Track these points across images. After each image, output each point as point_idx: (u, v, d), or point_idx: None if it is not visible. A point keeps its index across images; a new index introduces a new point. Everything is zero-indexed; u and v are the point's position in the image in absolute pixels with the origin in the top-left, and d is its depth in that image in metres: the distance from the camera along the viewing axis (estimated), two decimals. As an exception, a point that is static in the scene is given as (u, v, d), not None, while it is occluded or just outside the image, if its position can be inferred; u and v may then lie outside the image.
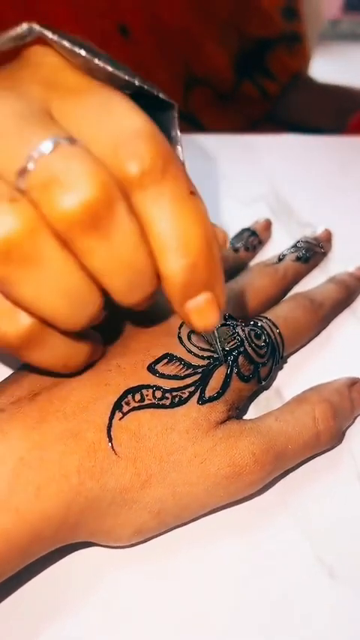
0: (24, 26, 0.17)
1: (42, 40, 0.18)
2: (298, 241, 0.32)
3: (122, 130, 0.15)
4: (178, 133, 0.19)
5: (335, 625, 0.19)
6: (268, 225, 0.34)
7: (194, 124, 0.62)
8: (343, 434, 0.24)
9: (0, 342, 0.17)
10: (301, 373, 0.26)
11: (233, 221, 0.34)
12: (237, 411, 0.22)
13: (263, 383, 0.24)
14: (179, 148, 0.19)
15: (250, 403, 0.25)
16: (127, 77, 0.17)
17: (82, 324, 0.16)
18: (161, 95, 0.19)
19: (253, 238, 0.33)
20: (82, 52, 0.17)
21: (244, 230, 0.33)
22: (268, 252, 0.33)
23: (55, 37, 0.17)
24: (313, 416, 0.22)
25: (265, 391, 0.26)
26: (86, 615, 0.19)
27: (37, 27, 0.17)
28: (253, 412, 0.25)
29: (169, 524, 0.20)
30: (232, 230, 0.33)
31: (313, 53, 0.70)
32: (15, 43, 0.17)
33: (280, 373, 0.26)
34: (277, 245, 0.33)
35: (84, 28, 0.51)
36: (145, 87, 0.18)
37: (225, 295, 0.17)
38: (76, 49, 0.17)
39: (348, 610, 0.19)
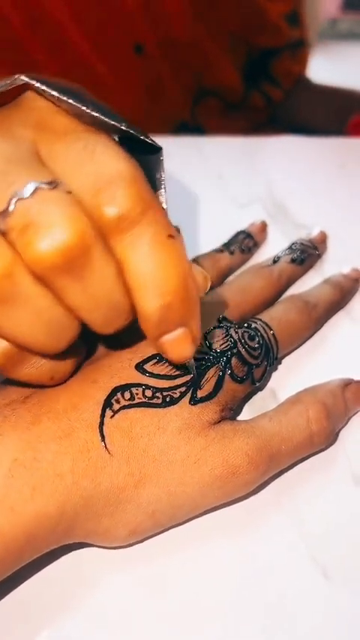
0: (15, 77, 0.18)
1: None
2: (293, 243, 0.32)
3: (104, 174, 0.16)
4: (163, 175, 0.20)
5: (329, 624, 0.19)
6: (263, 227, 0.34)
7: (200, 134, 0.62)
8: (337, 435, 0.24)
9: None
10: (296, 374, 0.27)
11: (229, 223, 0.34)
12: (231, 412, 0.22)
13: (257, 384, 0.24)
14: (162, 191, 0.20)
15: (245, 404, 0.25)
16: (113, 122, 0.18)
17: (60, 349, 0.17)
18: (148, 139, 0.19)
19: (249, 240, 0.33)
20: (70, 100, 0.17)
21: (239, 232, 0.33)
22: (264, 253, 0.33)
23: (42, 87, 0.18)
24: (306, 417, 0.22)
25: (259, 392, 0.26)
26: (83, 616, 0.19)
27: (24, 77, 0.18)
28: (247, 413, 0.25)
29: (164, 525, 0.20)
30: (228, 232, 0.33)
31: (312, 53, 0.71)
32: (4, 88, 0.18)
33: (274, 374, 0.26)
34: (273, 247, 0.34)
35: (100, 49, 0.52)
36: (132, 131, 0.19)
37: (199, 330, 0.18)
38: (64, 97, 0.18)
39: (342, 610, 0.19)
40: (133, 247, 0.16)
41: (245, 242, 0.32)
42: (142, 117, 0.59)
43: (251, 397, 0.25)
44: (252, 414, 0.23)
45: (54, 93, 0.18)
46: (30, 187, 0.15)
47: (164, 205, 0.20)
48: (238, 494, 0.21)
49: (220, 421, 0.21)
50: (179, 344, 0.18)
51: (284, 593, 0.19)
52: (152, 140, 0.19)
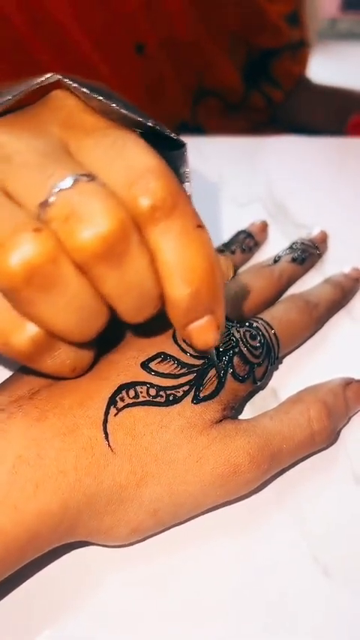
0: (48, 75, 0.19)
1: (61, 85, 0.19)
2: (294, 243, 0.32)
3: (135, 168, 0.16)
4: (188, 169, 0.21)
5: (330, 623, 0.19)
6: (264, 226, 0.35)
7: (200, 134, 0.63)
8: (338, 434, 0.24)
9: (11, 353, 0.18)
10: (297, 373, 0.27)
11: (229, 222, 0.34)
12: (232, 411, 0.22)
13: (259, 383, 0.24)
14: (188, 184, 0.21)
15: (246, 403, 0.25)
16: (140, 119, 0.19)
17: (89, 337, 0.18)
18: (173, 135, 0.20)
19: (249, 240, 0.33)
20: (99, 97, 0.18)
21: (240, 232, 0.33)
22: (264, 253, 0.33)
23: (73, 84, 0.18)
24: (308, 416, 0.22)
25: (260, 391, 0.26)
26: (84, 615, 0.19)
27: (58, 75, 0.19)
28: (249, 412, 0.25)
29: (166, 523, 0.20)
30: (229, 231, 0.33)
31: (312, 53, 0.71)
32: (37, 85, 0.19)
33: (275, 373, 0.27)
34: (273, 246, 0.34)
35: (102, 49, 0.53)
36: (157, 127, 0.19)
37: (224, 317, 0.19)
38: (94, 95, 0.18)
39: (342, 609, 0.19)
40: (165, 237, 0.16)
41: (246, 242, 0.33)
42: None
43: (252, 396, 0.26)
44: (253, 413, 0.23)
45: (84, 90, 0.18)
46: (69, 179, 0.16)
47: (191, 196, 0.20)
48: (239, 492, 0.21)
49: (221, 420, 0.21)
50: (205, 331, 0.18)
51: (285, 592, 0.19)
52: (177, 136, 0.20)
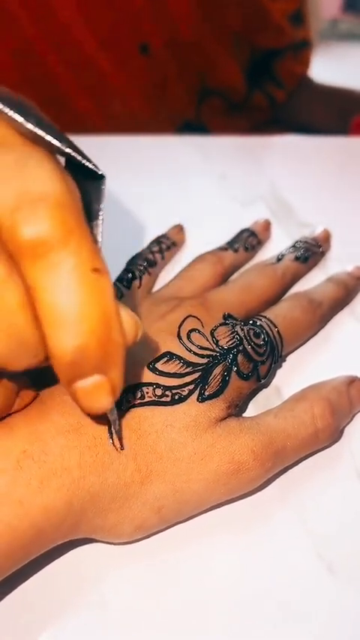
0: None
1: None
2: (297, 241, 0.32)
3: (28, 192, 0.14)
4: (101, 207, 0.18)
5: (334, 620, 0.19)
6: (267, 225, 0.35)
7: (203, 133, 0.63)
8: (342, 431, 0.24)
9: None
10: (300, 371, 0.27)
11: (233, 221, 0.34)
12: (236, 409, 0.22)
13: (262, 381, 0.24)
14: (98, 222, 0.18)
15: (250, 401, 0.25)
16: (53, 141, 0.16)
17: None
18: (90, 165, 0.18)
19: (252, 238, 0.33)
20: (10, 112, 0.16)
21: (243, 230, 0.33)
22: (267, 252, 0.33)
23: None
24: (311, 414, 0.22)
25: (264, 389, 0.26)
26: (88, 612, 0.19)
27: None
28: (252, 410, 0.25)
29: (170, 521, 0.20)
30: (232, 230, 0.33)
31: (314, 54, 0.71)
32: None
33: (279, 371, 0.27)
34: (276, 245, 0.34)
35: (107, 48, 0.53)
36: (73, 154, 0.17)
37: (120, 380, 0.16)
38: (5, 109, 0.16)
39: (347, 606, 0.19)
40: (48, 276, 0.14)
41: (249, 240, 0.33)
42: (147, 116, 0.59)
43: (256, 394, 0.26)
44: (257, 411, 0.23)
45: None
46: None
47: (99, 238, 0.18)
48: (243, 490, 0.21)
49: (226, 418, 0.21)
50: (93, 393, 0.15)
51: (289, 590, 0.19)
52: (95, 166, 0.18)
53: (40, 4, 0.48)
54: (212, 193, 0.40)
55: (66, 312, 0.14)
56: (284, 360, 0.27)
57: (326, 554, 0.20)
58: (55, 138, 0.16)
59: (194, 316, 0.24)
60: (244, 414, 0.25)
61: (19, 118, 0.16)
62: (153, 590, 0.20)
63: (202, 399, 0.21)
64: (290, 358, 0.27)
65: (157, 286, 0.30)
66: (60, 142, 0.16)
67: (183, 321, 0.23)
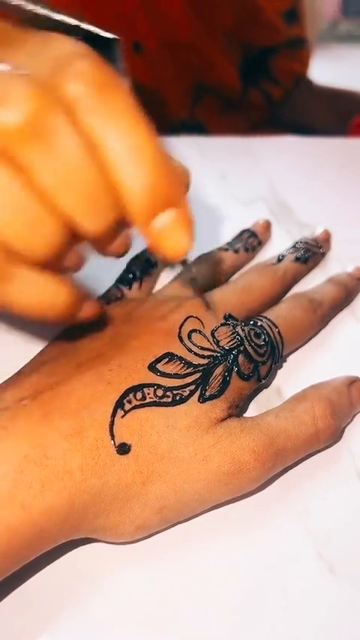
0: None
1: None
2: (297, 242, 0.32)
3: (62, 55, 0.15)
4: (122, 66, 0.20)
5: (334, 620, 0.19)
6: (267, 226, 0.35)
7: (201, 132, 0.63)
8: (342, 431, 0.24)
9: None
10: (301, 372, 0.27)
11: (233, 222, 0.34)
12: (237, 409, 0.22)
13: (263, 381, 0.24)
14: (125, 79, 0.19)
15: (251, 401, 0.25)
16: (66, 20, 0.18)
17: (43, 252, 0.16)
18: (103, 33, 0.19)
19: (253, 239, 0.33)
20: (29, 5, 0.18)
21: (243, 231, 0.33)
22: (267, 252, 0.33)
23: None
24: (312, 414, 0.22)
25: (265, 389, 0.26)
26: (89, 611, 0.19)
27: None
28: (253, 410, 0.25)
29: (171, 521, 0.20)
30: (232, 231, 0.33)
31: (313, 55, 0.71)
32: None
33: (279, 372, 0.27)
34: (276, 246, 0.34)
35: None
36: (89, 28, 0.19)
37: (190, 214, 0.16)
38: (28, 3, 0.18)
39: (347, 606, 0.19)
40: (102, 117, 0.15)
41: (249, 241, 0.33)
42: None
43: (257, 395, 0.26)
44: (258, 412, 0.23)
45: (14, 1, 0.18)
46: None
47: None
48: (244, 490, 0.21)
49: (227, 418, 0.21)
50: (174, 230, 0.16)
51: (290, 589, 0.19)
52: (108, 32, 0.19)
53: None
54: (212, 193, 0.40)
55: (127, 148, 0.15)
56: (285, 361, 0.27)
57: (326, 554, 0.20)
58: (65, 15, 0.18)
59: (195, 317, 0.24)
60: (245, 414, 0.25)
61: (39, 8, 0.18)
62: (153, 589, 0.20)
63: (203, 399, 0.21)
64: (291, 358, 0.27)
65: (157, 286, 0.30)
66: (79, 20, 0.19)
67: (184, 321, 0.23)
